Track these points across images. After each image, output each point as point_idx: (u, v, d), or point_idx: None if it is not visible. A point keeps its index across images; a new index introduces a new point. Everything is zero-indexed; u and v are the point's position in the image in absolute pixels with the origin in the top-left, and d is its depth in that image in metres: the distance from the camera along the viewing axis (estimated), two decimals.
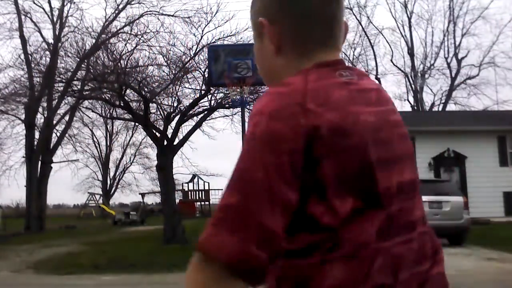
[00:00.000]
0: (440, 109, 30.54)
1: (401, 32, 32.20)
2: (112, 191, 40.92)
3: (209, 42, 12.44)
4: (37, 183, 18.72)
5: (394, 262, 0.85)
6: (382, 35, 32.37)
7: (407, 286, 0.86)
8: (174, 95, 13.21)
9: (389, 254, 0.85)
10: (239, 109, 9.75)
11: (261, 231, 0.79)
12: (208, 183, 30.31)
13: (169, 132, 13.10)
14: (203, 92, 12.99)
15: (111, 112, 18.56)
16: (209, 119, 14.29)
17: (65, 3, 19.01)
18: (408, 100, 32.14)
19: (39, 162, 19.06)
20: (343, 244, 0.83)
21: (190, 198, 29.96)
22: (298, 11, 0.95)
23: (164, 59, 12.95)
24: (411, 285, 0.87)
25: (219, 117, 14.71)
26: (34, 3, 19.02)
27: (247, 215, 0.79)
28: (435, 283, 0.93)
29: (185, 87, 13.62)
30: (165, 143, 12.94)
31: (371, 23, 32.01)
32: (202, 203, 31.05)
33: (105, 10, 23.86)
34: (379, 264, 0.83)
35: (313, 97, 0.85)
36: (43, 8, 19.73)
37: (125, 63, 12.39)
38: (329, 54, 0.97)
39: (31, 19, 19.45)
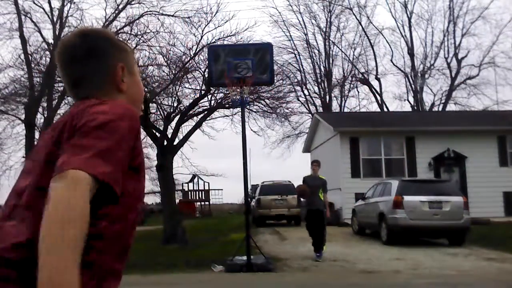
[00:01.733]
0: (440, 109, 30.52)
1: (401, 32, 32.22)
2: None
3: (209, 42, 12.43)
4: None
5: None
6: (382, 35, 32.40)
7: None
8: (174, 95, 13.20)
9: None
10: (239, 109, 9.74)
11: None
12: (208, 183, 30.31)
13: (169, 132, 13.10)
14: (203, 92, 12.98)
15: None
16: (209, 119, 14.29)
17: (65, 3, 18.96)
18: (408, 100, 32.16)
19: None
20: None
21: (190, 198, 29.94)
22: None
23: (164, 59, 12.94)
24: None
25: (219, 117, 14.72)
26: (34, 3, 18.96)
27: None
28: None
29: (185, 87, 13.63)
30: (165, 143, 12.94)
31: (371, 23, 32.04)
32: (202, 203, 31.05)
33: (105, 10, 23.76)
34: None
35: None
36: (43, 8, 19.68)
37: None
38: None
39: (31, 19, 19.39)
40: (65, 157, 1.04)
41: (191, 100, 13.20)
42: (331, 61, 31.82)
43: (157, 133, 13.21)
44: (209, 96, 13.25)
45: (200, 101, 13.16)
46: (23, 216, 1.11)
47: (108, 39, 1.32)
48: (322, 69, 31.80)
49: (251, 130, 15.30)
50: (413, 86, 31.79)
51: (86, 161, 1.02)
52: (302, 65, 31.19)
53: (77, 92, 1.31)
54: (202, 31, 12.88)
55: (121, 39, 1.37)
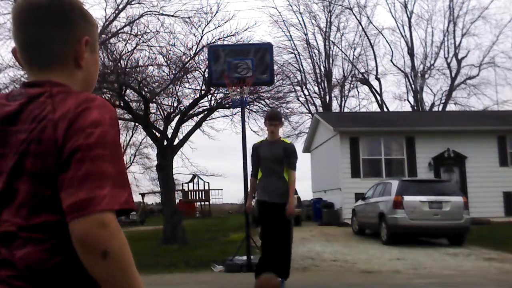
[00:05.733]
0: (440, 109, 30.54)
1: (401, 32, 32.26)
2: None
3: (209, 42, 12.42)
4: None
5: None
6: (382, 35, 32.45)
7: None
8: (174, 95, 13.19)
9: None
10: (239, 109, 9.74)
11: None
12: (208, 183, 30.33)
13: (169, 132, 13.09)
14: (203, 92, 12.97)
15: None
16: (209, 119, 14.28)
17: None
18: (408, 100, 32.19)
19: None
20: None
21: (190, 198, 29.96)
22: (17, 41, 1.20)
23: (164, 59, 12.92)
24: None
25: (219, 117, 14.70)
26: None
27: None
28: None
29: (185, 87, 13.61)
30: (165, 143, 12.94)
31: (371, 23, 32.09)
32: (202, 203, 31.05)
33: (105, 10, 23.75)
34: None
35: None
36: None
37: (125, 63, 12.36)
38: (32, 75, 1.17)
39: None
40: (85, 193, 0.98)
41: (191, 100, 13.20)
42: (331, 61, 31.86)
43: (157, 133, 13.20)
44: (209, 96, 13.25)
45: (200, 101, 13.15)
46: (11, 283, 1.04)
47: (78, 7, 1.20)
48: (322, 69, 31.83)
49: (251, 130, 15.33)
50: (413, 86, 31.82)
51: (110, 198, 1.01)
52: (302, 65, 31.26)
53: (31, 57, 1.17)
54: (202, 31, 12.88)
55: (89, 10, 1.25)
